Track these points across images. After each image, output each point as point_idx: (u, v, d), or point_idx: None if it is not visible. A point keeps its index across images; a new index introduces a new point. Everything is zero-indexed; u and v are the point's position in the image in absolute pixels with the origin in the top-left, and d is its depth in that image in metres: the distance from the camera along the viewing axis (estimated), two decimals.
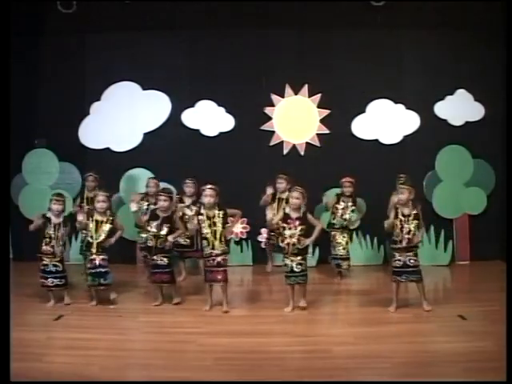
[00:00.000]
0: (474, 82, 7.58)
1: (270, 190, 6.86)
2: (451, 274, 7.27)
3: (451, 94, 7.66)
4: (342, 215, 6.76)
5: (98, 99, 7.76)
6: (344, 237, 6.78)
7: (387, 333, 4.76)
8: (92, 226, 5.59)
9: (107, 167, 7.34)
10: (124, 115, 7.74)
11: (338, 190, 6.94)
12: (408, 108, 7.68)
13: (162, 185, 6.68)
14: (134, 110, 7.72)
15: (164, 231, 5.52)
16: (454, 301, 5.70)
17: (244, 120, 7.65)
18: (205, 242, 5.43)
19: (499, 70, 7.23)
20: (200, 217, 5.42)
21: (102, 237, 5.57)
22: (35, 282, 5.64)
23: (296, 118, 7.70)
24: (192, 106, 7.71)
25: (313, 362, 4.17)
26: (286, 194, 6.73)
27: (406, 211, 5.36)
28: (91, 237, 5.58)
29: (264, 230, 7.29)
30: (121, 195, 7.59)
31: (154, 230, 5.53)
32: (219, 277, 5.41)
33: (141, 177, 7.60)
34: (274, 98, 7.71)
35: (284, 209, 5.58)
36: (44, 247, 5.53)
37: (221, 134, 7.71)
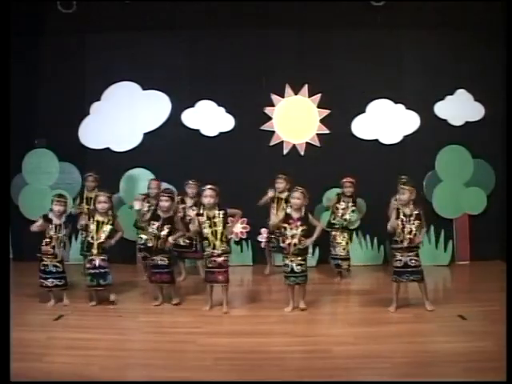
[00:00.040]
0: (474, 81, 7.58)
1: (271, 193, 6.81)
2: (451, 274, 7.27)
3: (451, 94, 7.66)
4: (342, 215, 6.76)
5: (98, 99, 7.75)
6: (344, 237, 6.78)
7: (387, 333, 4.77)
8: (93, 226, 5.59)
9: (107, 167, 7.34)
10: (124, 115, 7.73)
11: (338, 190, 6.93)
12: (408, 108, 7.68)
13: (163, 186, 6.68)
14: (134, 110, 7.72)
15: (165, 232, 5.51)
16: (454, 301, 5.70)
17: (244, 120, 7.65)
18: (206, 242, 5.43)
19: (499, 70, 7.23)
20: (200, 217, 5.43)
21: (103, 238, 5.57)
22: (35, 282, 5.64)
23: (296, 118, 7.69)
24: (192, 106, 7.71)
25: (313, 361, 4.17)
26: (286, 193, 6.74)
27: (408, 211, 5.35)
28: (92, 237, 5.58)
29: (264, 230, 7.29)
30: (121, 195, 7.58)
31: (154, 230, 5.53)
32: (220, 277, 5.41)
33: (141, 177, 7.61)
34: (274, 97, 7.71)
35: (285, 209, 5.58)
36: (44, 248, 5.52)
37: (221, 133, 7.71)
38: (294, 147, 7.71)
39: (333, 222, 6.80)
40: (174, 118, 7.68)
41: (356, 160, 7.44)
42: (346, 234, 6.80)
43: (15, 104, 6.54)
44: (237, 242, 7.58)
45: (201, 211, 5.46)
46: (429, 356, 4.23)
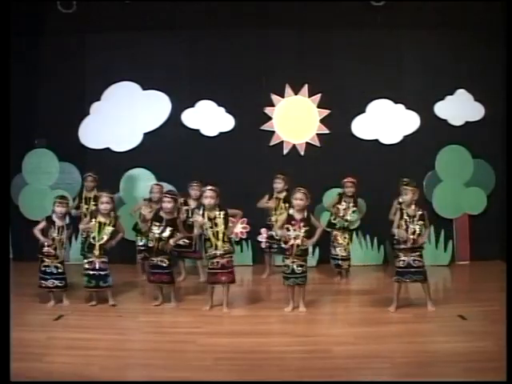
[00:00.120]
0: (474, 81, 7.58)
1: (271, 203, 6.80)
2: (451, 274, 7.28)
3: (451, 94, 7.66)
4: (343, 215, 6.74)
5: (98, 99, 7.75)
6: (345, 237, 6.77)
7: (387, 333, 4.77)
8: (95, 227, 5.58)
9: (107, 167, 7.34)
10: (124, 115, 7.73)
11: (338, 190, 6.93)
12: (408, 108, 7.68)
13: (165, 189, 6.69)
14: (134, 110, 7.72)
15: (166, 233, 5.50)
16: (454, 301, 5.71)
17: (244, 120, 7.65)
18: (208, 243, 5.42)
19: (499, 70, 7.23)
20: (201, 219, 5.41)
21: (105, 239, 5.56)
22: (35, 282, 5.64)
23: (296, 118, 7.69)
24: (192, 106, 7.70)
25: (313, 361, 4.17)
26: (284, 193, 6.75)
27: (411, 212, 5.35)
28: (93, 238, 5.57)
29: (264, 230, 7.28)
30: (121, 195, 7.58)
31: (156, 231, 5.52)
32: (223, 278, 5.40)
33: (141, 177, 7.62)
34: (274, 97, 7.71)
35: (287, 209, 5.56)
36: (46, 249, 5.52)
37: (221, 133, 7.71)
38: (293, 147, 7.71)
39: (333, 222, 6.80)
40: (174, 118, 7.68)
41: (356, 160, 7.44)
42: (346, 235, 6.80)
43: (15, 104, 6.53)
44: (237, 242, 7.57)
45: (200, 212, 5.45)
46: (429, 356, 4.23)
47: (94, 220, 5.61)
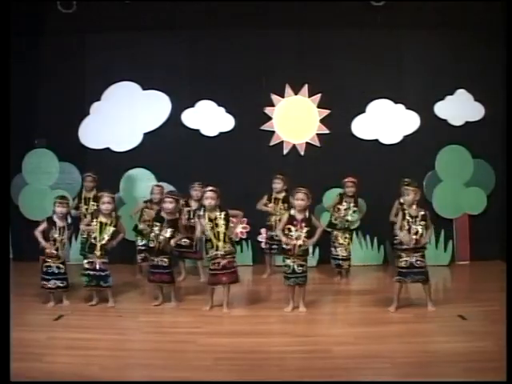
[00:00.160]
0: (474, 81, 7.58)
1: (270, 207, 6.82)
2: (451, 274, 7.28)
3: (451, 94, 7.66)
4: (344, 216, 6.73)
5: (98, 99, 7.75)
6: (346, 237, 6.77)
7: (387, 333, 4.77)
8: (96, 227, 5.58)
9: (107, 167, 7.35)
10: (124, 115, 7.73)
11: (339, 191, 6.93)
12: (408, 108, 7.68)
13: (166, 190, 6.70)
14: (134, 110, 7.72)
15: (167, 234, 5.50)
16: (454, 301, 5.70)
17: (244, 120, 7.65)
18: (208, 244, 5.41)
19: (499, 70, 7.24)
20: (202, 220, 5.41)
21: (106, 239, 5.56)
22: (35, 282, 5.64)
23: (296, 118, 7.69)
24: (192, 106, 7.70)
25: (313, 361, 4.16)
26: (283, 194, 6.76)
27: (413, 212, 5.34)
28: (95, 238, 5.57)
29: (264, 231, 7.28)
30: (121, 195, 7.58)
31: (157, 231, 5.51)
32: (223, 278, 5.39)
33: (141, 177, 7.62)
34: (274, 97, 7.70)
35: (285, 209, 5.55)
36: (48, 250, 5.51)
37: (221, 133, 7.71)
38: (293, 147, 7.71)
39: (334, 222, 6.79)
40: (174, 118, 7.68)
41: (356, 160, 7.44)
42: (347, 235, 6.80)
43: (15, 104, 6.53)
44: (237, 242, 7.54)
45: (202, 213, 5.45)
46: (429, 356, 4.23)
47: (95, 220, 5.60)
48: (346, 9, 7.37)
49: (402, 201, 6.43)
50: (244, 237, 7.63)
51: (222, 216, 5.39)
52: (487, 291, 5.93)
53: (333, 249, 6.78)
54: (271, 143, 7.69)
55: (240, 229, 7.52)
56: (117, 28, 7.47)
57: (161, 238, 5.46)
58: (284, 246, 5.39)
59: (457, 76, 7.59)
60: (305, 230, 5.31)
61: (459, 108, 7.63)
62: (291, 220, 5.34)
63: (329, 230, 6.73)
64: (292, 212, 5.39)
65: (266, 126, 7.69)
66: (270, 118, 7.70)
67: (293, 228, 5.31)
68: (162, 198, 5.98)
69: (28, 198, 7.66)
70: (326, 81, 7.57)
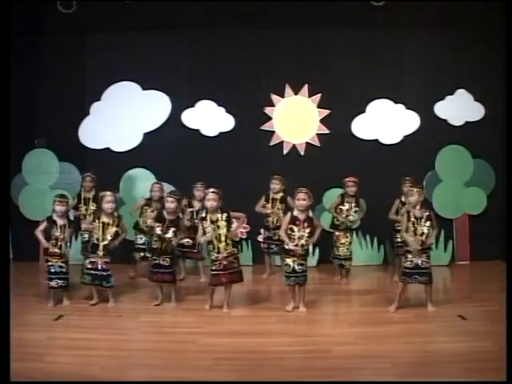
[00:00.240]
0: (474, 81, 7.58)
1: (268, 210, 6.82)
2: (451, 274, 7.28)
3: (451, 94, 7.66)
4: (346, 216, 6.72)
5: (98, 99, 7.75)
6: (347, 237, 6.77)
7: (387, 333, 4.77)
8: (99, 227, 5.57)
9: (107, 167, 7.35)
10: (124, 115, 7.73)
11: (339, 191, 6.93)
12: (408, 108, 7.68)
13: (165, 188, 6.70)
14: (134, 110, 7.72)
15: (169, 234, 5.49)
16: (454, 301, 5.70)
17: (244, 120, 7.65)
18: (210, 246, 5.40)
19: (499, 70, 7.24)
20: (204, 222, 5.40)
21: (108, 239, 5.56)
22: (35, 282, 5.66)
23: (296, 118, 7.69)
24: (192, 106, 7.70)
25: (313, 361, 4.17)
26: (281, 194, 6.76)
27: (418, 213, 5.33)
28: (97, 239, 5.56)
29: (263, 231, 7.26)
30: (121, 195, 7.58)
31: (159, 232, 5.51)
32: (224, 279, 5.38)
33: (141, 177, 7.62)
34: (274, 97, 7.70)
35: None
36: (51, 249, 5.51)
37: (221, 133, 7.71)
38: (294, 147, 7.71)
39: (336, 223, 6.77)
40: (174, 118, 7.68)
41: (356, 160, 7.44)
42: (349, 234, 6.79)
43: (15, 104, 6.53)
44: (237, 242, 7.54)
45: (204, 215, 5.44)
46: (429, 356, 4.23)
47: (97, 221, 5.60)
48: (345, 9, 7.37)
49: (402, 199, 6.47)
50: (244, 237, 7.62)
51: (224, 218, 5.37)
52: (487, 291, 5.93)
53: (335, 249, 6.77)
54: (271, 143, 7.69)
55: (240, 228, 7.50)
56: (117, 28, 7.47)
57: (166, 236, 5.46)
58: (286, 246, 5.38)
59: (457, 76, 7.59)
60: (307, 230, 5.31)
61: (459, 108, 7.63)
62: (294, 220, 5.34)
63: (332, 231, 6.73)
64: (295, 213, 5.38)
65: (265, 126, 7.69)
66: (270, 118, 7.70)
67: (295, 228, 5.31)
68: (162, 195, 5.99)
69: (28, 198, 7.66)
70: (326, 81, 7.57)
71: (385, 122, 7.67)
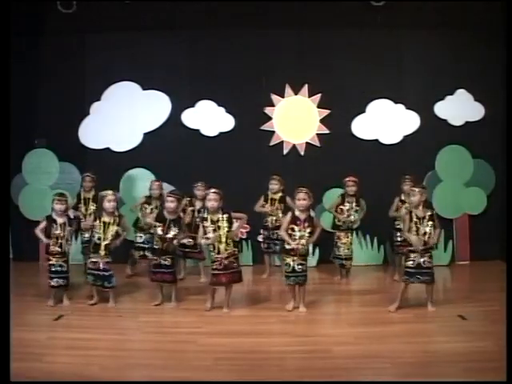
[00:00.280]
0: (474, 81, 7.58)
1: (267, 208, 6.82)
2: (451, 274, 7.28)
3: (451, 94, 7.66)
4: (347, 216, 6.71)
5: (98, 99, 7.75)
6: (348, 237, 6.77)
7: (387, 333, 4.77)
8: (100, 227, 5.57)
9: (107, 167, 7.35)
10: (124, 115, 7.73)
11: (340, 191, 6.92)
12: (408, 108, 7.68)
13: (165, 187, 6.71)
14: (134, 110, 7.72)
15: (170, 234, 5.49)
16: (454, 301, 5.71)
17: (244, 120, 7.65)
18: (210, 246, 5.40)
19: (499, 70, 7.24)
20: (205, 222, 5.39)
21: (110, 238, 5.56)
22: (35, 282, 5.66)
23: (296, 118, 7.69)
24: (192, 106, 7.70)
25: (313, 361, 4.17)
26: (279, 194, 6.76)
27: (420, 213, 5.33)
28: (99, 238, 5.56)
29: (263, 231, 7.26)
30: (121, 195, 7.57)
31: (160, 232, 5.51)
32: (224, 279, 5.38)
33: (141, 177, 7.61)
34: (274, 97, 7.70)
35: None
36: (52, 248, 5.52)
37: (221, 133, 7.71)
38: (294, 147, 7.71)
39: (338, 223, 6.77)
40: (174, 118, 7.68)
41: (356, 160, 7.43)
42: (349, 234, 6.79)
43: (15, 104, 6.54)
44: (237, 242, 7.55)
45: (205, 215, 5.44)
46: (429, 356, 4.23)
47: (98, 220, 5.60)
48: (346, 9, 7.37)
49: (402, 197, 6.47)
50: (244, 237, 7.62)
51: (225, 218, 5.37)
52: (487, 291, 5.94)
53: (336, 249, 6.77)
54: (271, 143, 7.69)
55: (240, 229, 7.50)
56: (117, 28, 7.47)
57: (168, 236, 5.45)
58: (287, 246, 5.38)
59: (457, 76, 7.59)
60: (308, 229, 5.31)
61: (459, 108, 7.63)
62: (294, 220, 5.33)
63: (333, 231, 6.73)
64: (297, 213, 5.37)
65: (265, 126, 7.69)
66: (270, 118, 7.70)
67: (296, 228, 5.31)
68: (161, 192, 5.98)
69: (28, 198, 7.66)
70: (326, 81, 7.57)
71: (385, 121, 7.67)
